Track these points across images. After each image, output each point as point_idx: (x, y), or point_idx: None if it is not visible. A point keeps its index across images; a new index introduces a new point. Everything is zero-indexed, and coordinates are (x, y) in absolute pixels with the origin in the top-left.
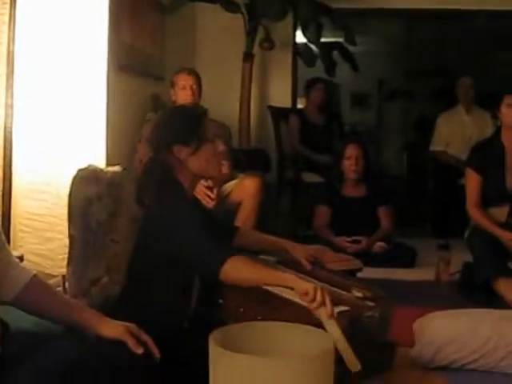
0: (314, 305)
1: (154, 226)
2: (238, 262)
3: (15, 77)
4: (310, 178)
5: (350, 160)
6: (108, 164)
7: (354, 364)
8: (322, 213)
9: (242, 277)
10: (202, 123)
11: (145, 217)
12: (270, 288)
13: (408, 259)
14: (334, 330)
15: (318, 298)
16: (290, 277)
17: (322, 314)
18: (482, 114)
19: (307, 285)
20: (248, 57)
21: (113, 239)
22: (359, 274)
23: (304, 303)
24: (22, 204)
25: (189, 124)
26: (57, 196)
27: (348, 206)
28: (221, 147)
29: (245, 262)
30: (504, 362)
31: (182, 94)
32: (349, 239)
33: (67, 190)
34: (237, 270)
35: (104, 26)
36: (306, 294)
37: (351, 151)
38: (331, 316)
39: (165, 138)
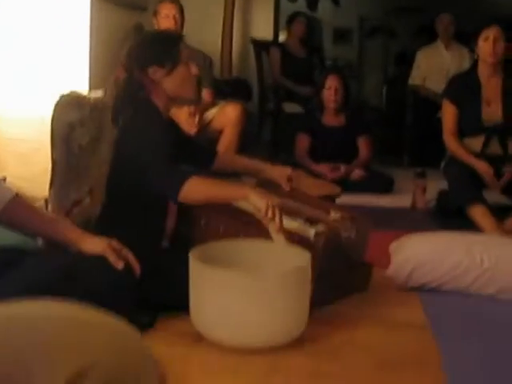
0: (266, 220)
1: (126, 147)
2: (195, 182)
3: None
4: (291, 108)
5: (330, 90)
6: (91, 87)
7: None
8: (303, 141)
9: (201, 196)
10: (177, 46)
11: (118, 137)
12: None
13: (385, 186)
14: (280, 243)
15: (270, 214)
16: (245, 192)
17: (272, 228)
18: (460, 49)
19: (260, 201)
20: None
21: (95, 162)
22: (338, 200)
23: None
24: (6, 130)
25: (164, 46)
26: (40, 122)
27: (328, 135)
28: (194, 70)
29: (202, 181)
30: (476, 285)
31: (165, 23)
32: (328, 166)
33: (49, 115)
34: (195, 191)
35: None
36: (259, 209)
37: (331, 81)
38: (279, 230)
39: (140, 58)
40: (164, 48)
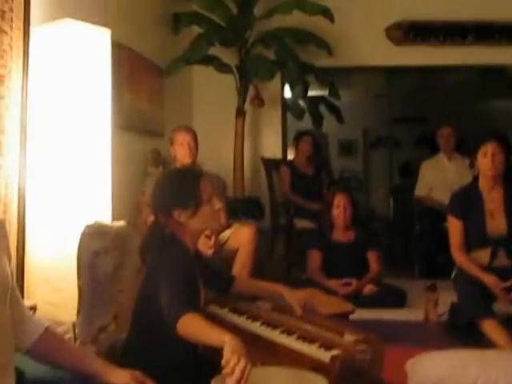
0: (227, 370)
1: (151, 284)
2: (189, 320)
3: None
4: (302, 224)
5: (339, 208)
6: (114, 216)
7: None
8: (314, 257)
9: (191, 334)
10: (198, 186)
11: (145, 272)
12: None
13: (398, 300)
14: None
15: (236, 372)
16: (224, 340)
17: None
18: (462, 160)
19: (232, 357)
20: (240, 113)
21: (119, 289)
22: (351, 316)
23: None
24: (35, 256)
25: (185, 188)
26: (67, 248)
27: (338, 251)
28: (218, 205)
29: (196, 320)
30: None
31: (181, 150)
32: (340, 282)
33: (76, 243)
34: (187, 327)
35: (107, 90)
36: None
37: (339, 200)
38: None
39: (164, 203)
40: (185, 191)
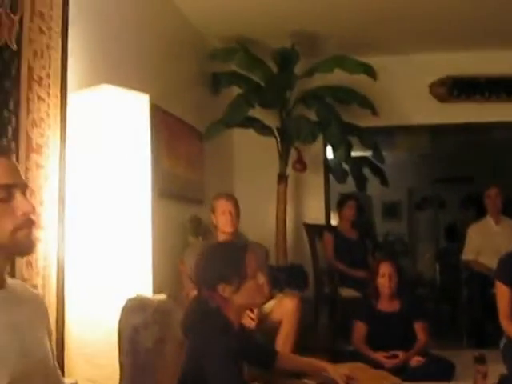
0: None
1: (195, 358)
2: None
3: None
4: (347, 292)
5: (384, 277)
6: (154, 287)
7: None
8: (359, 329)
9: None
10: (243, 261)
11: (188, 348)
12: None
13: (446, 372)
14: None
15: None
16: None
17: None
18: (510, 223)
19: None
20: (282, 178)
21: (161, 365)
22: None
23: None
24: (74, 331)
25: (230, 263)
26: (107, 324)
27: (384, 322)
28: (262, 280)
29: None
30: None
31: (222, 219)
32: (386, 354)
33: (116, 318)
34: None
35: (147, 157)
36: None
37: (384, 269)
38: None
39: (207, 277)
40: (231, 265)
